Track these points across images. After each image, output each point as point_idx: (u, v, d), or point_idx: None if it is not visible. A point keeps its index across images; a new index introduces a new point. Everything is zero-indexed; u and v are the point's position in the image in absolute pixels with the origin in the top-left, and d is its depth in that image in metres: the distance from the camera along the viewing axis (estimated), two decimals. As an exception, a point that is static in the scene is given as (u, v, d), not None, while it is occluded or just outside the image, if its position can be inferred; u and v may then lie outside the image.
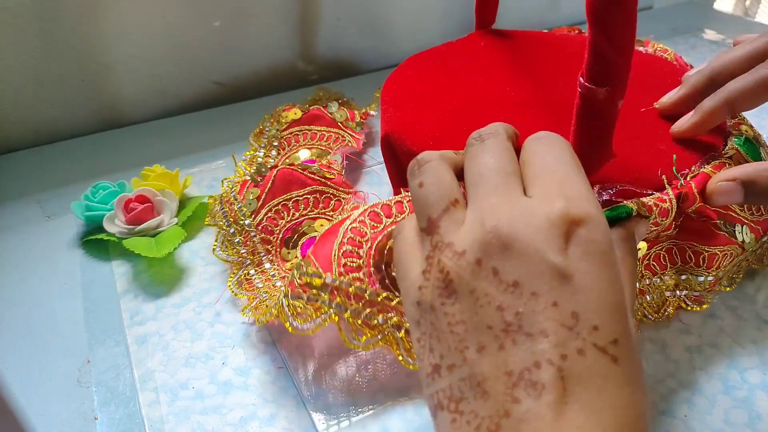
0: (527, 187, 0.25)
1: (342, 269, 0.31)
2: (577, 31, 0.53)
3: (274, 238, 0.39)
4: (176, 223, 0.43)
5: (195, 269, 0.40)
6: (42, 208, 0.47)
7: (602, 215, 0.23)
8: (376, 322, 0.31)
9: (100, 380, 0.33)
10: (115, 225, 0.42)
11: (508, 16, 0.72)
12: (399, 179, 0.40)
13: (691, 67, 0.43)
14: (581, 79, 0.26)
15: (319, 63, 0.64)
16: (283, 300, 0.31)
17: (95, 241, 0.42)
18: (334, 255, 0.32)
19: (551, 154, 0.25)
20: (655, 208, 0.30)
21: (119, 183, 0.44)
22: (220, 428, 0.31)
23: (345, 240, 0.32)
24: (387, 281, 0.32)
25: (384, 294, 0.31)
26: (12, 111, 0.53)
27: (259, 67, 0.62)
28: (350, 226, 0.33)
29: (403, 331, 0.31)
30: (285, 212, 0.39)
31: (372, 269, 0.32)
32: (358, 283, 0.31)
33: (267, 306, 0.34)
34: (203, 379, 0.33)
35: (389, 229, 0.33)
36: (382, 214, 0.33)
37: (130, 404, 0.32)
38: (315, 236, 0.38)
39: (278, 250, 0.39)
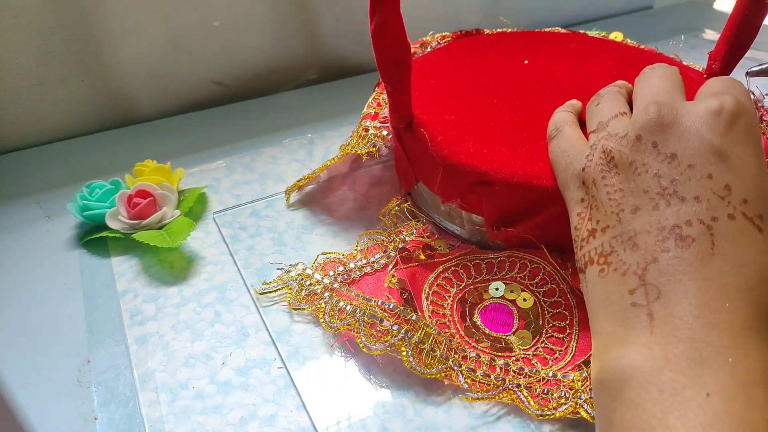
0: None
1: (430, 314, 0.35)
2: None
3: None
4: (179, 215, 0.43)
5: (195, 269, 0.40)
6: (42, 208, 0.47)
7: (756, 112, 0.27)
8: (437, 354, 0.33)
9: (100, 380, 0.33)
10: (118, 221, 0.42)
11: (510, 16, 0.72)
12: (420, 171, 0.40)
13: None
14: None
15: (319, 63, 0.64)
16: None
17: (95, 241, 0.42)
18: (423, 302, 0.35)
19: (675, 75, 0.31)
20: None
21: (113, 181, 0.44)
22: (220, 428, 0.31)
23: (431, 292, 0.36)
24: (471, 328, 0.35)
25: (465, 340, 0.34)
26: (12, 111, 0.53)
27: (259, 67, 0.62)
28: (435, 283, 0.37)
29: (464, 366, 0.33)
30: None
31: (456, 318, 0.35)
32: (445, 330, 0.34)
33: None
34: (203, 379, 0.33)
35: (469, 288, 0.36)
36: (464, 274, 0.37)
37: (130, 404, 0.32)
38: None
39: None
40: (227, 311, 0.37)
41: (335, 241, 0.42)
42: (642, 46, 0.49)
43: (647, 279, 0.24)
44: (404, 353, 0.32)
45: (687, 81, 0.42)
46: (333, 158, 0.44)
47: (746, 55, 0.41)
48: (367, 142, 0.42)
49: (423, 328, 0.33)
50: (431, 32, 0.51)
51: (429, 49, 0.50)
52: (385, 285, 0.36)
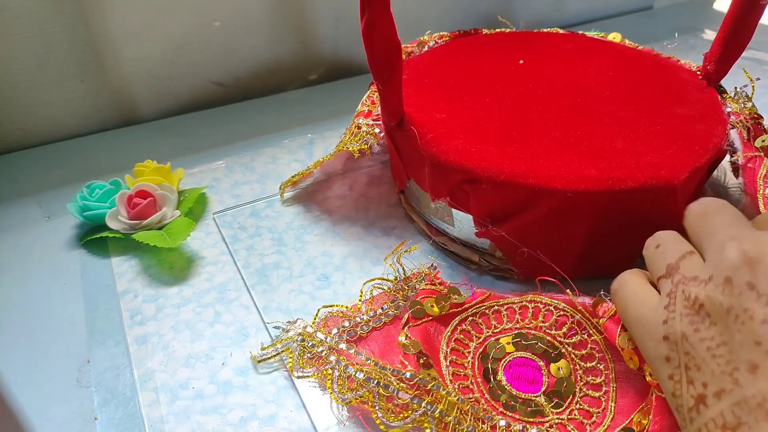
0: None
1: (451, 377, 0.32)
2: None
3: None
4: (179, 216, 0.43)
5: (195, 269, 0.41)
6: (42, 209, 0.47)
7: None
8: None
9: (100, 380, 0.33)
10: (118, 222, 0.42)
11: (510, 17, 0.72)
12: (411, 168, 0.40)
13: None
14: None
15: (319, 63, 0.64)
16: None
17: (95, 241, 0.42)
18: (442, 362, 0.33)
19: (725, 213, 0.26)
20: None
21: (113, 181, 0.45)
22: (220, 428, 0.31)
23: (449, 350, 0.33)
24: (495, 390, 0.32)
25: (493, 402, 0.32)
26: (12, 111, 0.53)
27: (259, 67, 0.62)
28: (453, 338, 0.34)
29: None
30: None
31: (479, 379, 0.33)
32: (470, 395, 0.31)
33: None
34: (203, 379, 0.33)
35: (488, 341, 0.34)
36: (482, 324, 0.35)
37: (130, 404, 0.32)
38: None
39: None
40: (227, 311, 0.37)
41: (335, 242, 0.42)
42: (639, 47, 0.49)
43: None
44: (428, 430, 0.29)
45: (680, 82, 0.42)
46: (327, 155, 0.44)
47: (745, 55, 0.41)
48: (359, 139, 0.42)
49: (445, 398, 0.29)
50: (429, 31, 0.52)
51: (426, 48, 0.50)
52: (399, 347, 0.32)
